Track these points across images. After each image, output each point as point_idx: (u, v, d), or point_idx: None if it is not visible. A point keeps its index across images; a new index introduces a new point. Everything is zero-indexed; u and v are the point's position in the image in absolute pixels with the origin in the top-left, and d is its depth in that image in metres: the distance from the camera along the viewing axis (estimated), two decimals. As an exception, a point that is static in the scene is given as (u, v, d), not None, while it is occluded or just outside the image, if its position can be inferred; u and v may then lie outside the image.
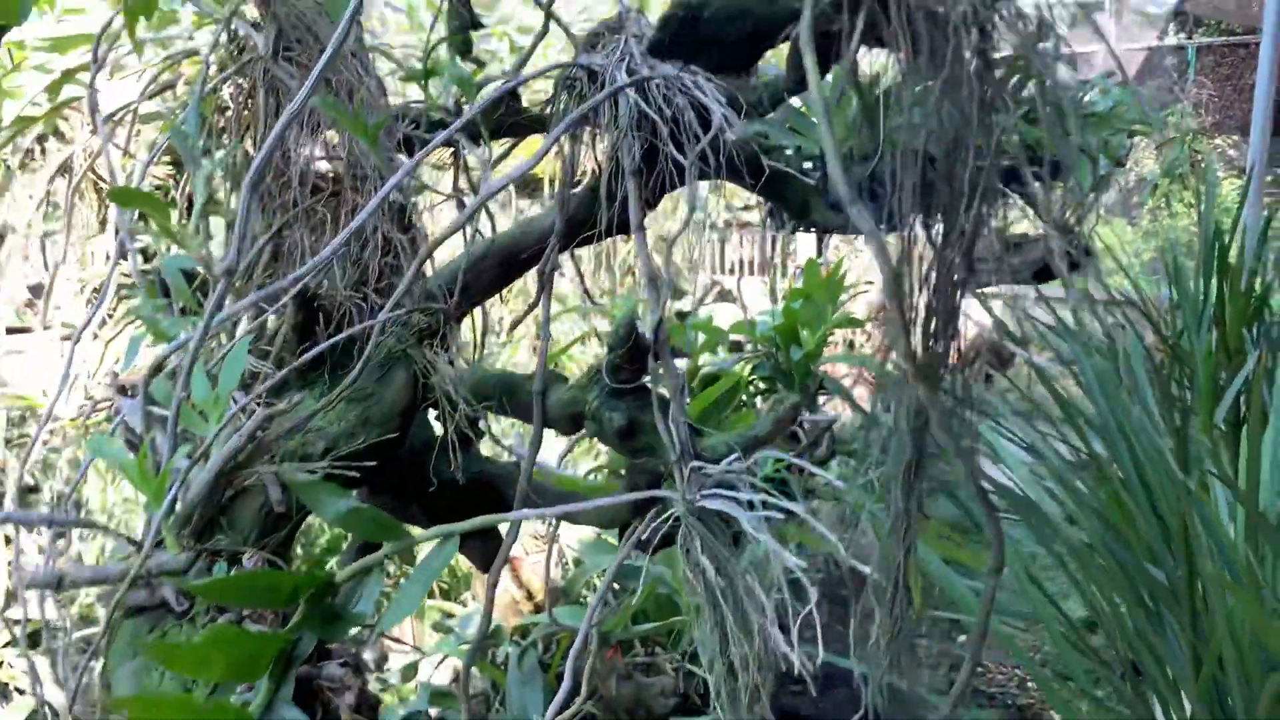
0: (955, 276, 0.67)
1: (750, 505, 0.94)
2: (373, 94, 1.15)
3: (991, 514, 0.68)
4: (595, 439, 1.05)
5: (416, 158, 0.96)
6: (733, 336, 2.23)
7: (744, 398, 2.15)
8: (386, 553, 0.95)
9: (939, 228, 0.69)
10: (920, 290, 0.71)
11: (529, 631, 2.40)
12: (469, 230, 1.44)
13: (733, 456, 0.94)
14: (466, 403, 1.12)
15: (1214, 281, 2.75)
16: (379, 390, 1.06)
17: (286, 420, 1.03)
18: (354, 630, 0.94)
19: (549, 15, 1.07)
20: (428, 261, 1.16)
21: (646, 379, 1.02)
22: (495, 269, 1.11)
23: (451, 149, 1.57)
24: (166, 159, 1.67)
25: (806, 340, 2.24)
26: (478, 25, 1.25)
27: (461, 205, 1.52)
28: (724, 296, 7.41)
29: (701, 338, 2.14)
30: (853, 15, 0.68)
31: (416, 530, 0.97)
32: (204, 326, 0.90)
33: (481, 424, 1.30)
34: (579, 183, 1.16)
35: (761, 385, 2.25)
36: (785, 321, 2.23)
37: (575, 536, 2.67)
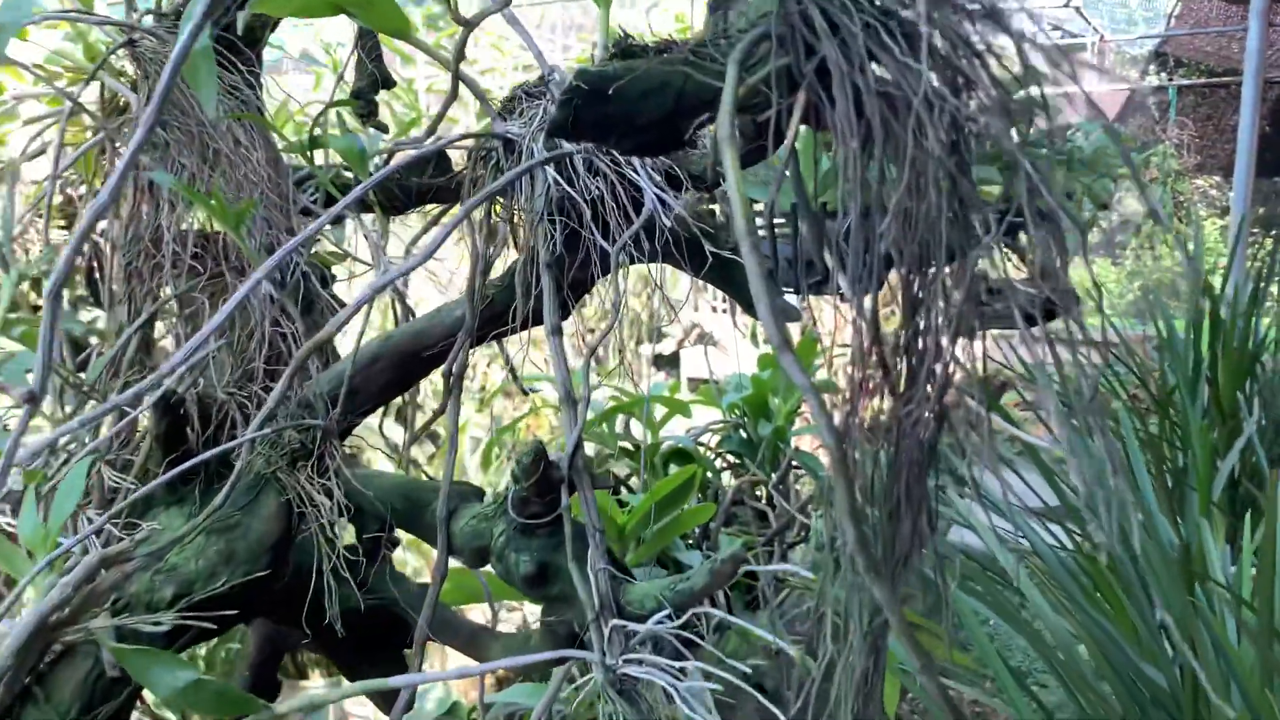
0: (924, 433, 0.51)
1: (683, 673, 0.77)
2: (257, 165, 0.99)
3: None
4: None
5: (280, 252, 0.80)
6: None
7: (709, 475, 1.99)
8: (236, 734, 0.77)
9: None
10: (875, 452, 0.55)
11: (489, 709, 2.21)
12: (393, 309, 1.28)
13: (663, 613, 0.78)
14: (363, 520, 0.95)
15: (1204, 336, 2.62)
16: (246, 520, 0.89)
17: (134, 557, 0.86)
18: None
19: (457, 77, 0.91)
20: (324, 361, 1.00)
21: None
22: (391, 370, 0.95)
23: (377, 215, 1.41)
24: (61, 223, 1.51)
25: (777, 410, 2.08)
26: (388, 84, 1.10)
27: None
28: (704, 339, 7.26)
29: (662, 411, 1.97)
30: (785, 95, 0.53)
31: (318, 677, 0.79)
32: (6, 458, 0.73)
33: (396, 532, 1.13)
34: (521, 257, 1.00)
35: (731, 459, 2.09)
36: (754, 391, 2.07)
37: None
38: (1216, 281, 2.71)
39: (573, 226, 0.88)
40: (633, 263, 0.94)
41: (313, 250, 1.15)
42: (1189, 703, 1.46)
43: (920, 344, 0.52)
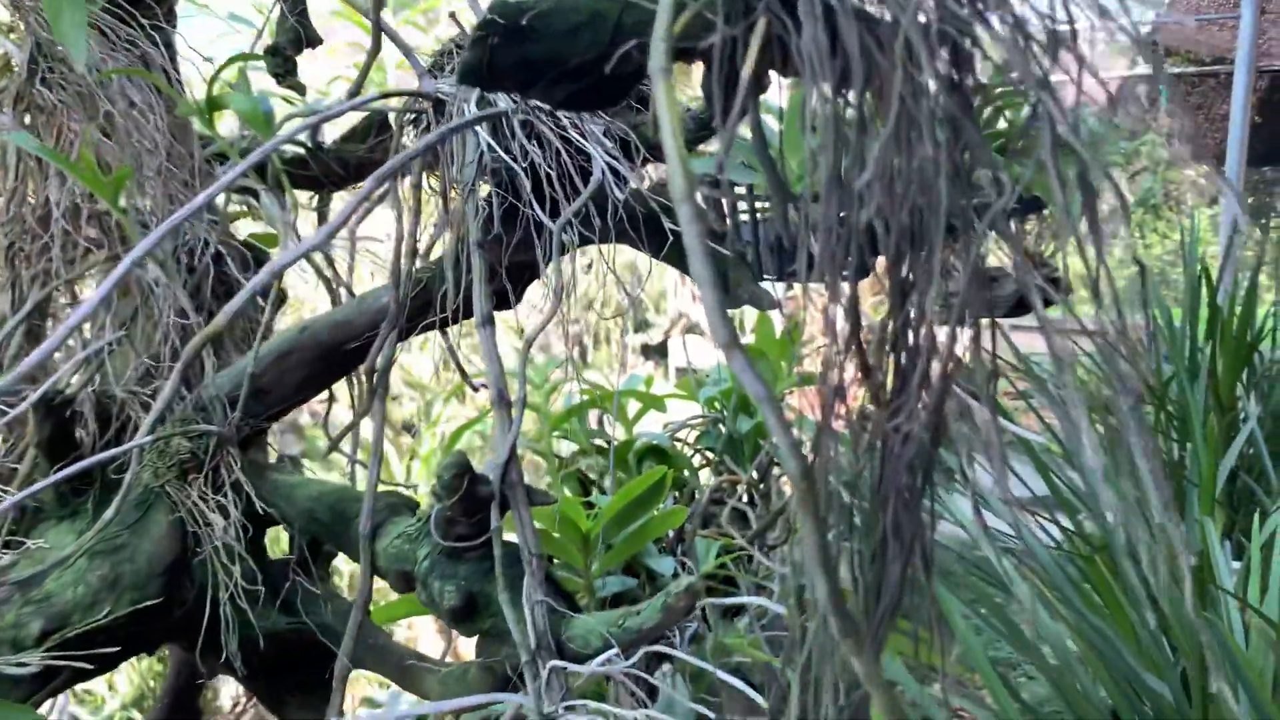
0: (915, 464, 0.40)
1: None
2: (155, 131, 0.87)
3: None
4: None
5: (163, 227, 0.68)
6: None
7: (687, 474, 1.87)
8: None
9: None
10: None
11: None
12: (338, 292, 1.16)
13: (610, 653, 0.66)
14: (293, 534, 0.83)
15: (1201, 325, 2.54)
16: (133, 540, 0.77)
17: (4, 584, 0.74)
18: None
19: (378, 28, 0.79)
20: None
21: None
22: (309, 365, 0.83)
23: (315, 192, 1.29)
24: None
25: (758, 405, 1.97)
26: (313, 42, 0.98)
27: (330, 261, 1.23)
28: (692, 329, 7.13)
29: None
30: (736, 23, 0.41)
31: None
32: None
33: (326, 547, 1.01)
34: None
35: (710, 457, 1.98)
36: (734, 385, 1.95)
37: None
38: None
39: (511, 200, 0.76)
40: (583, 242, 0.82)
41: (231, 231, 1.03)
42: (1198, 716, 1.36)
43: (911, 339, 0.41)
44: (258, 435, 0.88)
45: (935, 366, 0.40)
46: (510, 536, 0.76)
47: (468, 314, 0.84)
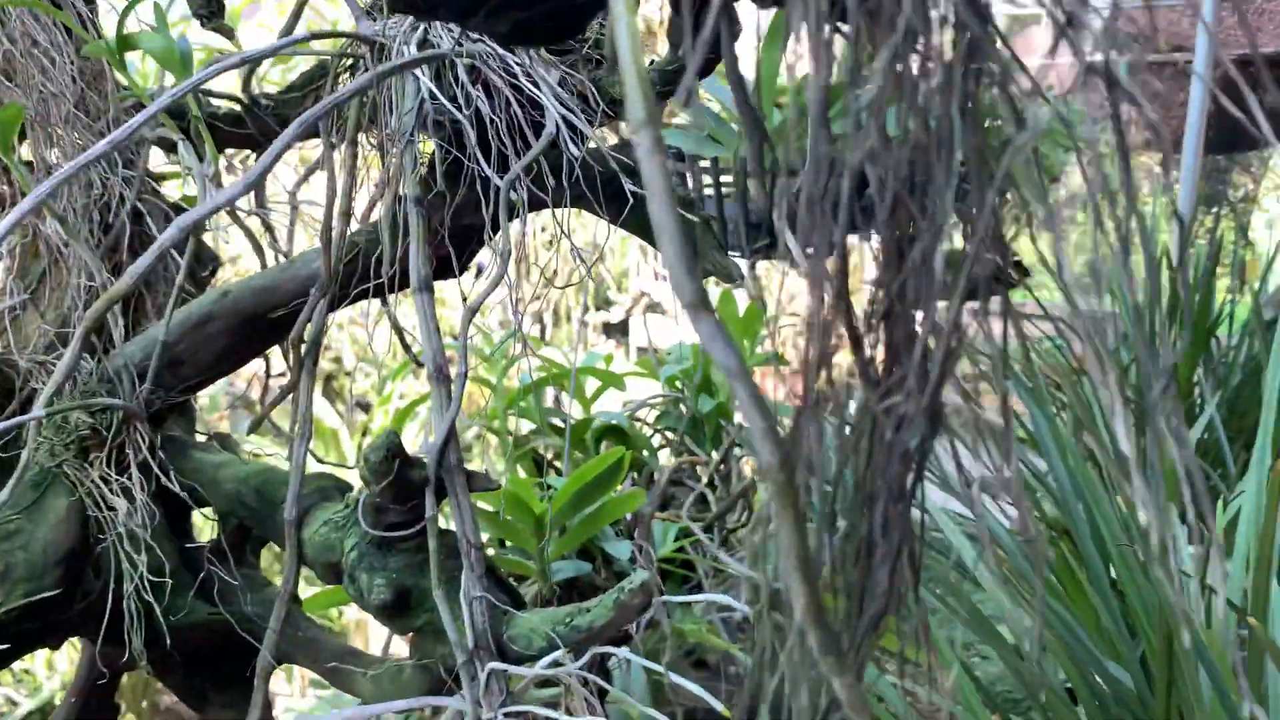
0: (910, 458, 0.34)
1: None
2: (61, 75, 0.78)
3: None
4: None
5: (72, 165, 0.60)
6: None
7: (646, 454, 1.82)
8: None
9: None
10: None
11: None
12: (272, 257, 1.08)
13: (557, 654, 0.60)
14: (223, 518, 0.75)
15: (1160, 311, 2.54)
16: (28, 526, 0.69)
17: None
18: None
19: (309, -39, 0.72)
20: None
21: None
22: (230, 334, 0.75)
23: (253, 151, 1.20)
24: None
25: (721, 384, 1.91)
26: (244, -18, 0.89)
27: (268, 226, 1.15)
28: (654, 308, 7.06)
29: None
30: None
31: None
32: None
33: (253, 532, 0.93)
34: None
35: (670, 437, 1.93)
36: (695, 363, 1.90)
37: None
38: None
39: (455, 154, 0.69)
40: (536, 205, 0.75)
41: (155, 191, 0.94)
42: (1160, 707, 1.33)
43: (908, 306, 0.35)
44: (179, 410, 0.80)
45: (938, 339, 0.34)
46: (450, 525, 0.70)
47: (406, 282, 0.77)
